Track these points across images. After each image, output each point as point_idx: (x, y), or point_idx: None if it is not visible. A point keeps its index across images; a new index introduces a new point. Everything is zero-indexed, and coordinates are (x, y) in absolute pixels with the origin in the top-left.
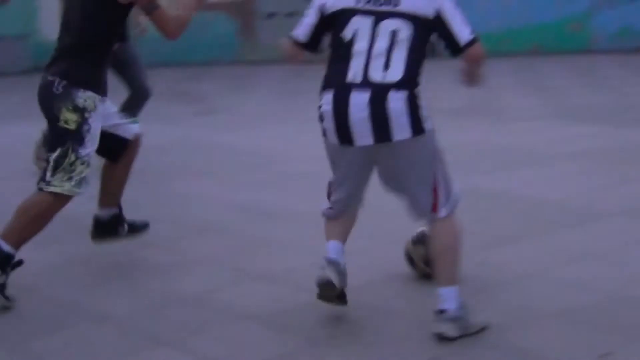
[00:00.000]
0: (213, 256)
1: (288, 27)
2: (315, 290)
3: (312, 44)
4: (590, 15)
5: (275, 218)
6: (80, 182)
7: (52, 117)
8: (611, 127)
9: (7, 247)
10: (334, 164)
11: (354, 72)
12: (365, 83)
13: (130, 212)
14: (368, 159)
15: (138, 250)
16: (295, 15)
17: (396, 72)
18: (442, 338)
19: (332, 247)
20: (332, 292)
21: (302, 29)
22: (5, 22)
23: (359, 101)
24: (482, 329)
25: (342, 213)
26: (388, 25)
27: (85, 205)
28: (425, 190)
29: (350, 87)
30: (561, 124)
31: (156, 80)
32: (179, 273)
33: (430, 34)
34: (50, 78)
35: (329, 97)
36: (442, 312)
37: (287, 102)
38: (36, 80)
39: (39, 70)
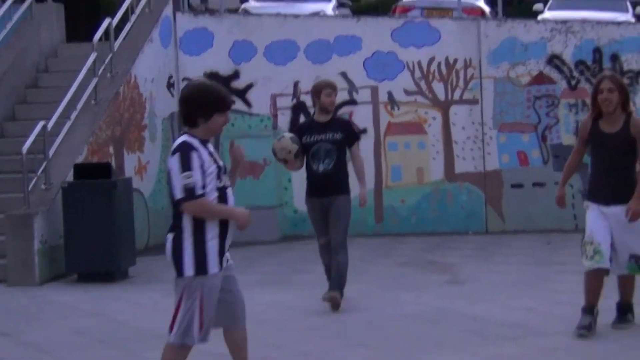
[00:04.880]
0: None
1: (534, 197)
2: None
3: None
4: None
5: None
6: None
7: None
8: None
9: None
10: None
11: None
12: None
13: None
14: None
15: None
16: (541, 185)
17: None
18: None
19: None
20: None
21: None
22: (260, 193)
23: None
24: None
25: None
26: None
27: None
28: None
29: None
30: None
31: (404, 249)
32: None
33: None
34: None
35: None
36: None
37: (537, 272)
38: (285, 250)
39: (288, 240)
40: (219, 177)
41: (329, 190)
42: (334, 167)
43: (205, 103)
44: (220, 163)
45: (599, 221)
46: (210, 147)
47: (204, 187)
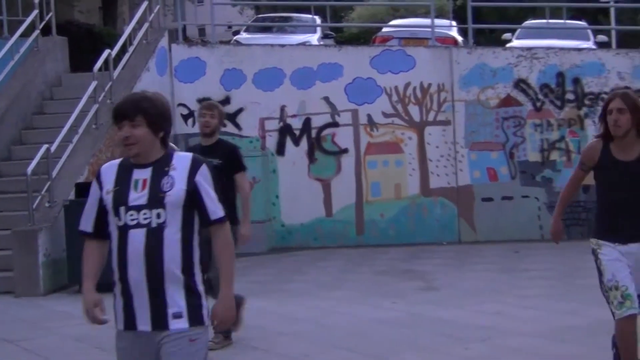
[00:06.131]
0: None
1: (503, 209)
2: None
3: None
4: None
5: None
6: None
7: None
8: None
9: None
10: None
11: None
12: None
13: None
14: None
15: None
16: (509, 199)
17: None
18: None
19: None
20: None
21: None
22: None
23: None
24: None
25: None
26: None
27: None
28: None
29: None
30: None
31: (383, 259)
32: None
33: None
34: None
35: None
36: None
37: (505, 279)
38: (273, 261)
39: (276, 252)
40: (116, 213)
41: None
42: None
43: None
44: (134, 195)
45: (619, 262)
46: (140, 172)
47: (100, 224)
